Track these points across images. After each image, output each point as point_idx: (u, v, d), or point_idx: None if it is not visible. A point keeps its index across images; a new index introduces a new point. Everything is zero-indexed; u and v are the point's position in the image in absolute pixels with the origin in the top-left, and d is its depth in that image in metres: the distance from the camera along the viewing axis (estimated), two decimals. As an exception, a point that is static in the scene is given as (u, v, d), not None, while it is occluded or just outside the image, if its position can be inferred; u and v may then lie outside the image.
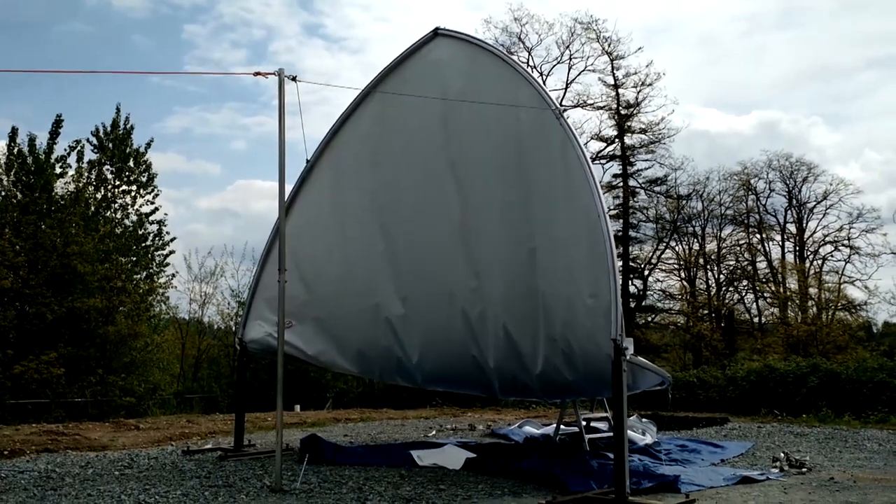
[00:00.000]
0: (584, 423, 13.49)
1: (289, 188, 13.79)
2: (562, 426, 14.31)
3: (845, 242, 41.21)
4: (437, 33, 12.40)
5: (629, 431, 14.02)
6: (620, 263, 41.07)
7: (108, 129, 29.41)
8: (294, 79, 10.52)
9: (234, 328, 30.88)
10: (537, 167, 10.94)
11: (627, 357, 9.21)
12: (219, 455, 12.91)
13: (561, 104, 41.65)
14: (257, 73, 10.53)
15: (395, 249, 12.92)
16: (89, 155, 28.61)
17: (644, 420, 15.66)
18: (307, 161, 13.50)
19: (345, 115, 13.39)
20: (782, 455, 12.34)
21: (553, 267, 10.67)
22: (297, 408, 24.67)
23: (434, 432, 17.08)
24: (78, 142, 27.80)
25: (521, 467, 11.10)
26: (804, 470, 11.39)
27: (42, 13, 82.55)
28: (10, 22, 79.77)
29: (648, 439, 14.02)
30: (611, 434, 12.73)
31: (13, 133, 26.14)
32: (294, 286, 12.95)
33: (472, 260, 11.89)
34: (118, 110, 29.89)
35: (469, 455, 12.12)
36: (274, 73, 10.41)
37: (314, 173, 13.70)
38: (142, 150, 29.94)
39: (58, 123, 26.58)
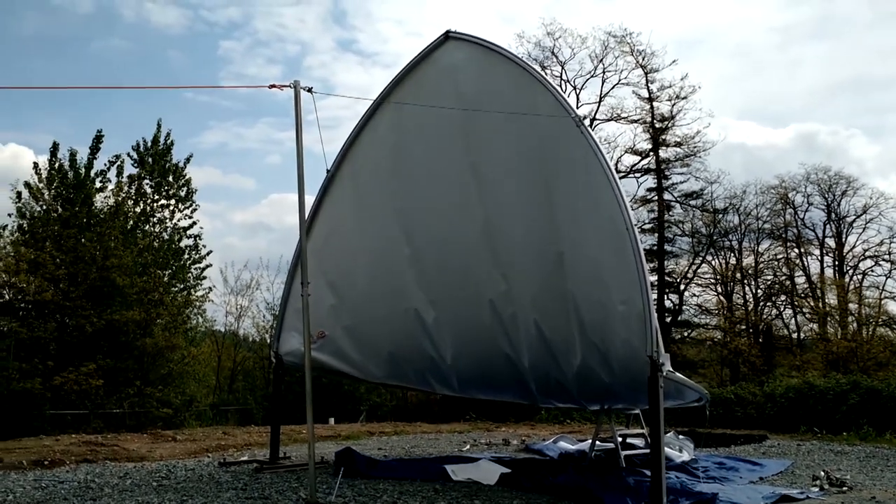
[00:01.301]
0: (619, 439, 13.37)
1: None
2: (597, 442, 14.19)
3: (886, 257, 40.51)
4: (448, 36, 12.17)
5: (665, 448, 13.91)
6: (655, 278, 40.78)
7: (149, 144, 29.90)
8: (310, 90, 10.47)
9: (268, 340, 31.07)
10: (560, 173, 10.80)
11: (664, 373, 9.14)
12: (255, 467, 13.00)
13: (595, 118, 41.81)
14: (272, 86, 10.47)
15: (421, 253, 12.89)
16: (129, 169, 29.17)
17: (681, 437, 15.49)
18: (327, 171, 13.50)
19: (361, 123, 13.33)
20: (822, 473, 12.10)
21: (581, 271, 10.62)
22: (332, 421, 24.75)
23: (468, 447, 17.04)
24: (118, 156, 28.41)
25: (557, 483, 11.03)
26: (845, 489, 11.17)
27: (81, 29, 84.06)
28: (49, 37, 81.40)
29: (685, 456, 13.85)
30: (647, 450, 12.59)
31: (54, 148, 26.78)
32: (322, 292, 13.10)
33: (500, 262, 11.86)
34: (159, 126, 30.46)
35: (504, 470, 12.06)
36: (289, 85, 10.38)
37: (336, 183, 13.66)
38: (181, 164, 30.42)
39: (98, 139, 27.19)
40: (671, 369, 9.54)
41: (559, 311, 11.07)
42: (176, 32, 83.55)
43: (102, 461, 13.92)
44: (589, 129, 10.29)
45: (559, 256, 10.89)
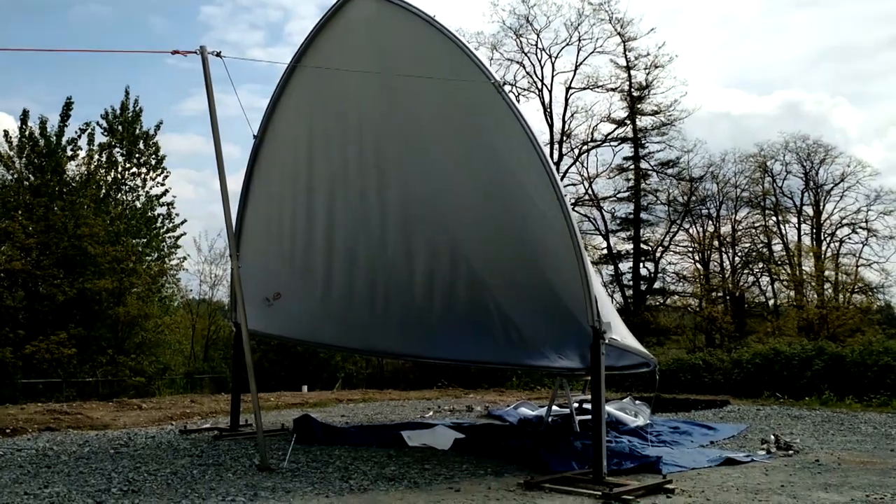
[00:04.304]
0: (576, 404, 13.57)
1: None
2: (556, 408, 14.37)
3: (862, 225, 40.83)
4: None
5: (620, 413, 14.14)
6: (631, 246, 41.03)
7: (118, 111, 29.64)
8: (218, 54, 10.12)
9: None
10: (491, 132, 10.62)
11: (607, 340, 9.26)
12: (214, 434, 13.10)
13: (570, 86, 41.75)
14: (175, 52, 10.16)
15: (358, 215, 12.89)
16: (100, 138, 28.98)
17: (637, 402, 15.70)
18: (254, 136, 13.20)
19: (280, 86, 12.86)
20: (772, 437, 12.32)
21: (532, 227, 10.67)
22: (305, 388, 24.88)
23: (431, 413, 17.20)
24: (88, 124, 28.23)
25: (509, 447, 11.20)
26: (791, 452, 11.40)
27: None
28: (29, 4, 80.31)
29: (640, 421, 14.06)
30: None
31: (24, 116, 26.56)
32: (272, 253, 13.53)
33: (446, 220, 11.95)
34: (127, 93, 30.20)
35: (458, 435, 12.24)
36: (195, 52, 10.04)
37: (265, 148, 13.38)
38: (151, 132, 30.21)
39: (68, 106, 26.98)
40: (615, 336, 9.65)
41: (514, 259, 11.28)
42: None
43: (65, 429, 13.95)
44: (509, 95, 9.98)
45: (506, 210, 10.98)
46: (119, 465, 10.03)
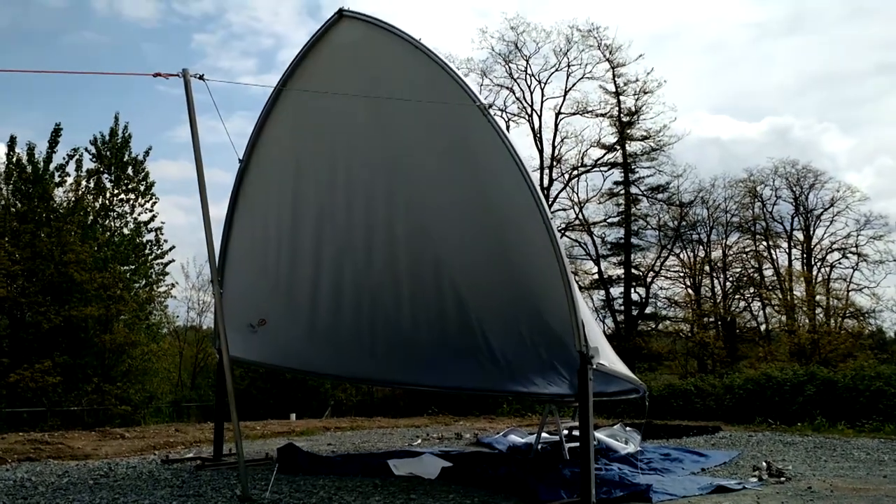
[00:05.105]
0: (565, 431, 13.38)
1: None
2: (546, 435, 14.18)
3: (853, 250, 40.82)
4: (342, 15, 11.51)
5: (610, 440, 13.96)
6: (622, 271, 40.98)
7: (107, 137, 29.56)
8: (201, 77, 9.90)
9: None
10: (478, 156, 10.55)
11: (594, 365, 9.12)
12: (197, 464, 12.85)
13: (560, 111, 41.90)
14: (157, 74, 9.95)
15: (344, 241, 12.74)
16: (88, 164, 28.87)
17: (628, 429, 15.52)
18: (240, 160, 13.11)
19: (266, 111, 12.79)
20: (763, 464, 12.17)
21: (521, 250, 10.56)
22: (293, 417, 24.60)
23: (419, 441, 16.97)
24: (76, 150, 28.09)
25: (497, 476, 10.99)
26: (783, 479, 11.22)
27: (54, 23, 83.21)
28: (22, 31, 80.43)
29: (631, 448, 13.88)
30: (594, 443, 12.55)
31: (12, 142, 26.47)
32: (257, 279, 13.28)
33: (434, 244, 11.83)
34: (116, 119, 30.18)
35: (445, 464, 12.02)
36: (177, 75, 9.83)
37: (250, 172, 13.27)
38: (140, 158, 30.11)
39: (56, 132, 26.85)
40: (602, 362, 9.51)
41: (501, 285, 11.14)
42: (149, 25, 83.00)
43: (45, 459, 13.71)
44: (494, 118, 9.98)
45: (494, 235, 10.91)
46: (97, 497, 9.79)
